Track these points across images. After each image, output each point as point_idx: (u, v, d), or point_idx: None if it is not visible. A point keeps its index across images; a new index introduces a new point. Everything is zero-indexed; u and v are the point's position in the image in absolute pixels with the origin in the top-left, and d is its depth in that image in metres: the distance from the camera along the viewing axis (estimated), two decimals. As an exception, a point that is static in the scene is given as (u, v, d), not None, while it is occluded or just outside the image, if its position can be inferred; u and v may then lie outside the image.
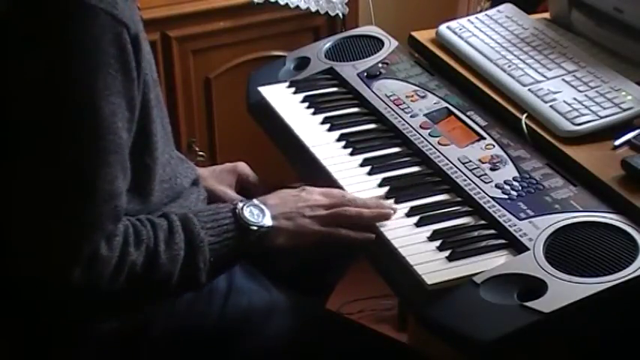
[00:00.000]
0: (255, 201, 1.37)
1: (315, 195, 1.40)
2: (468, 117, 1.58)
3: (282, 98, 1.73)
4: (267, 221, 1.34)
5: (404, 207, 1.40)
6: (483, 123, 1.56)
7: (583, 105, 1.52)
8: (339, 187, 1.46)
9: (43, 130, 1.19)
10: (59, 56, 1.18)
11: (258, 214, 1.34)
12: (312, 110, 1.68)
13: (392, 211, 1.38)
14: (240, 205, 1.34)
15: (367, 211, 1.38)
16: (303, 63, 1.83)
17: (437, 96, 1.65)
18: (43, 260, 1.20)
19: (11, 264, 1.23)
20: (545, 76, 1.61)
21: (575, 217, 1.31)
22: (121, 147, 1.23)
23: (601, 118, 1.49)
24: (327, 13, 2.48)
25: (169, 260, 1.26)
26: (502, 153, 1.47)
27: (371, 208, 1.38)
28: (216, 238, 1.31)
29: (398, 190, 1.44)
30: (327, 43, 1.87)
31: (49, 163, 1.19)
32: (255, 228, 1.33)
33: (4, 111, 1.21)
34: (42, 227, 1.20)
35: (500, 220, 1.33)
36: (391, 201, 1.41)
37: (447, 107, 1.61)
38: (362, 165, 1.52)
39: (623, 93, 1.54)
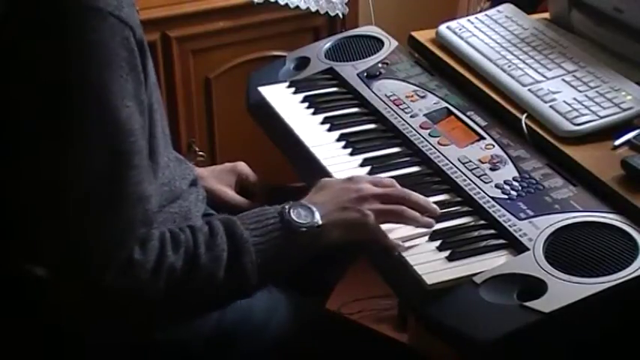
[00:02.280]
0: (302, 201, 1.33)
1: (365, 183, 1.37)
2: (468, 117, 1.58)
3: (282, 98, 1.73)
4: (317, 220, 1.30)
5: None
6: (483, 123, 1.55)
7: (583, 105, 1.52)
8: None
9: (63, 138, 1.17)
10: (71, 61, 1.16)
11: (306, 214, 1.30)
12: (312, 110, 1.68)
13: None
14: (287, 207, 1.30)
15: (421, 217, 1.35)
16: (303, 63, 1.83)
17: (437, 96, 1.65)
18: (75, 267, 1.18)
19: (38, 269, 1.22)
20: (545, 76, 1.61)
21: (575, 217, 1.31)
22: (142, 150, 1.21)
23: (601, 118, 1.49)
24: (327, 13, 2.48)
25: (211, 262, 1.22)
26: (502, 153, 1.47)
27: (421, 205, 1.36)
28: (261, 238, 1.26)
29: (398, 190, 1.44)
30: (327, 43, 1.87)
31: (72, 171, 1.17)
32: (305, 229, 1.29)
33: (8, 116, 1.20)
34: (72, 236, 1.18)
35: (500, 220, 1.33)
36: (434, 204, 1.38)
37: (446, 107, 1.61)
38: (362, 165, 1.52)
39: (623, 93, 1.54)
